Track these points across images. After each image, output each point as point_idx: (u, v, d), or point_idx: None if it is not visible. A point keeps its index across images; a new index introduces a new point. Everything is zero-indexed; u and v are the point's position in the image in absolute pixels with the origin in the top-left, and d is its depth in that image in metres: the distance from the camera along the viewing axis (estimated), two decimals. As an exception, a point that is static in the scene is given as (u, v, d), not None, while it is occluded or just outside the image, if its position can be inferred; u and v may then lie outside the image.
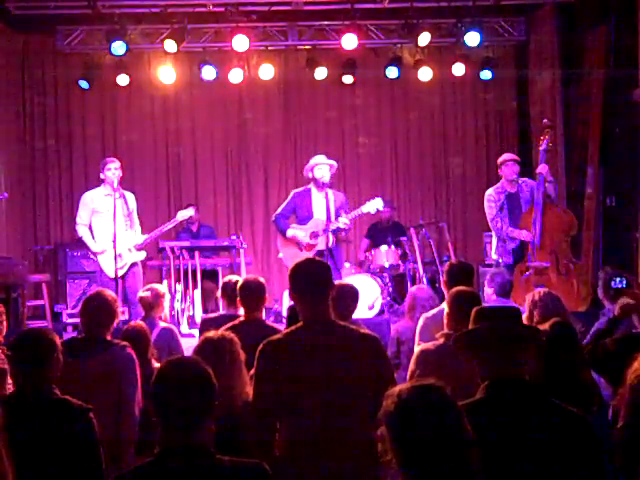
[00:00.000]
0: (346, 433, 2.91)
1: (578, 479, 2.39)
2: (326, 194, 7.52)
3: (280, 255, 7.84)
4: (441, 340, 3.72)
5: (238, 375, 3.33)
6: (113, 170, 7.18)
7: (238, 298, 4.62)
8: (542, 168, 6.88)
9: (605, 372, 3.87)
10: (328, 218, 7.46)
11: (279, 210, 7.72)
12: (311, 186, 7.61)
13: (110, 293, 4.20)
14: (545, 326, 3.56)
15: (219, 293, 5.15)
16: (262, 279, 4.71)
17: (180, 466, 2.25)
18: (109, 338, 3.99)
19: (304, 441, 2.92)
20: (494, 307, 3.40)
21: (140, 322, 4.71)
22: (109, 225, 7.07)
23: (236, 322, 4.48)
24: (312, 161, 7.59)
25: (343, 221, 7.29)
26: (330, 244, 7.42)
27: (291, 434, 2.97)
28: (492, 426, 2.37)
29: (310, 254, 7.05)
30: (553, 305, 4.20)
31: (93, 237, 7.26)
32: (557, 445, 2.38)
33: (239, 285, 4.70)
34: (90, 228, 7.28)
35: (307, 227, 7.49)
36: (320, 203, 7.51)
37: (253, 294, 4.56)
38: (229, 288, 5.00)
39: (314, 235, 7.43)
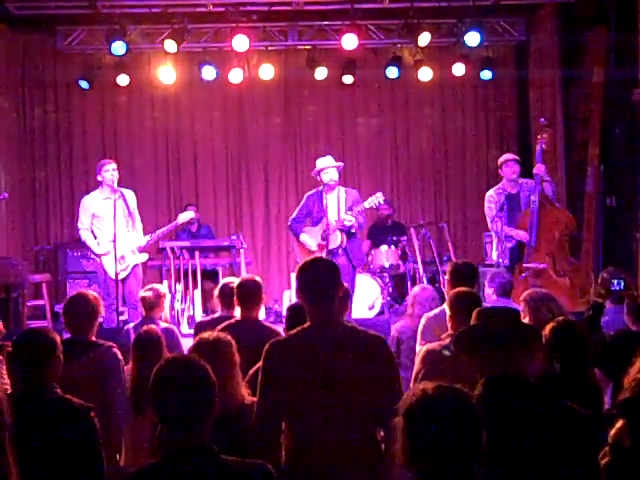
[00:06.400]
0: (351, 433, 2.90)
1: (574, 474, 2.40)
2: (337, 192, 7.43)
3: (298, 260, 7.80)
4: (447, 340, 3.73)
5: (232, 377, 3.31)
6: (111, 171, 7.15)
7: (235, 298, 4.61)
8: (538, 169, 6.86)
9: (603, 366, 3.88)
10: (338, 217, 7.37)
11: (293, 215, 7.63)
12: (322, 187, 7.54)
13: (92, 293, 4.16)
14: (549, 327, 3.56)
15: (215, 295, 5.10)
16: (259, 279, 4.69)
17: (186, 467, 2.23)
18: (94, 339, 4.00)
19: (309, 441, 2.91)
20: (494, 307, 3.42)
21: (153, 326, 4.59)
22: (110, 228, 7.04)
23: (232, 321, 4.48)
24: (318, 165, 7.46)
25: (347, 219, 7.25)
26: (339, 242, 7.31)
27: (296, 434, 2.96)
28: (488, 422, 2.38)
29: (322, 254, 6.99)
30: (543, 303, 4.22)
31: (96, 239, 7.26)
32: (554, 440, 2.39)
33: (236, 284, 4.69)
34: (92, 231, 7.27)
35: (318, 229, 7.43)
36: (331, 203, 7.43)
37: (250, 294, 4.55)
38: (226, 291, 4.96)
39: (324, 236, 7.38)
